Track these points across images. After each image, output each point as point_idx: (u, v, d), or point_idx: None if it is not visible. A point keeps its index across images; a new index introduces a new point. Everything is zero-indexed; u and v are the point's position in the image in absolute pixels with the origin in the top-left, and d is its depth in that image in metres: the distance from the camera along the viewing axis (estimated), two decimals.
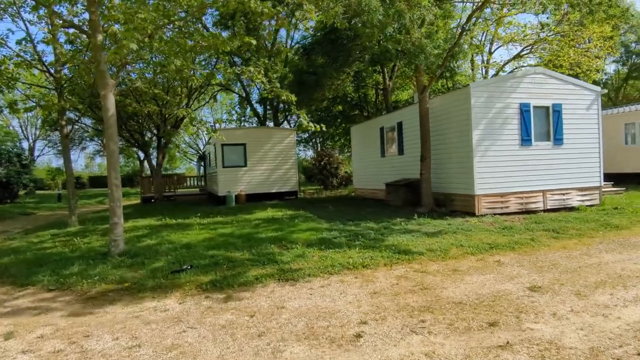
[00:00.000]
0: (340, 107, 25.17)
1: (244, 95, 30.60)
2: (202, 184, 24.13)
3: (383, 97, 19.73)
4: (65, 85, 11.70)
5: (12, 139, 27.33)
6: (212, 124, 34.42)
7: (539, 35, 16.66)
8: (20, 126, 37.74)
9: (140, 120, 20.54)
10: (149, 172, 49.08)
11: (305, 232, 8.44)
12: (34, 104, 10.56)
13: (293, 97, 9.09)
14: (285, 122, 29.26)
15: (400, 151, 13.48)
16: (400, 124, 13.43)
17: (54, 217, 16.71)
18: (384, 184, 13.18)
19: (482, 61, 24.44)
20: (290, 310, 4.29)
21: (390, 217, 10.13)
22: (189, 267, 5.92)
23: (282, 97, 8.97)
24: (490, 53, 23.45)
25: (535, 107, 10.53)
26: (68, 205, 11.95)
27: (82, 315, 4.47)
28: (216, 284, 5.26)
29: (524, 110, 10.46)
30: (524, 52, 17.55)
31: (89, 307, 4.71)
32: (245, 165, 16.70)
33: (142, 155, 42.27)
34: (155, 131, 21.19)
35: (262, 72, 8.89)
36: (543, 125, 10.67)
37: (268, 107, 27.17)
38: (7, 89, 9.65)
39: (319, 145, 33.15)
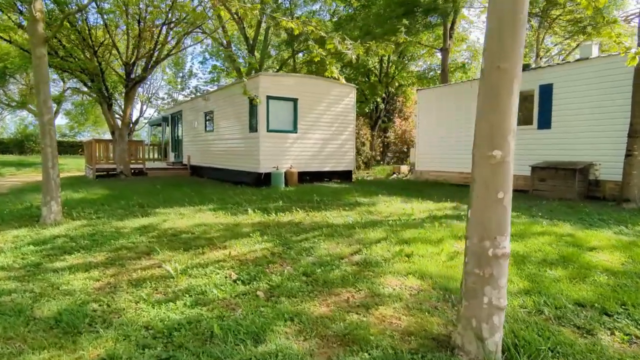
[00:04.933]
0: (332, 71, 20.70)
1: (223, 43, 24.19)
2: (174, 154, 17.84)
3: (441, 58, 15.89)
4: None
5: None
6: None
7: None
8: None
9: (99, 52, 13.57)
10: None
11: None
12: None
13: None
14: None
15: (544, 124, 9.98)
16: (548, 87, 9.87)
17: None
18: (530, 167, 9.59)
19: None
20: None
21: (609, 216, 6.68)
22: None
23: None
24: None
25: None
26: (43, 183, 5.95)
27: None
28: None
29: None
30: None
31: None
32: (296, 131, 11.51)
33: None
34: (123, 73, 14.35)
35: None
36: None
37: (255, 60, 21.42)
38: None
39: None
